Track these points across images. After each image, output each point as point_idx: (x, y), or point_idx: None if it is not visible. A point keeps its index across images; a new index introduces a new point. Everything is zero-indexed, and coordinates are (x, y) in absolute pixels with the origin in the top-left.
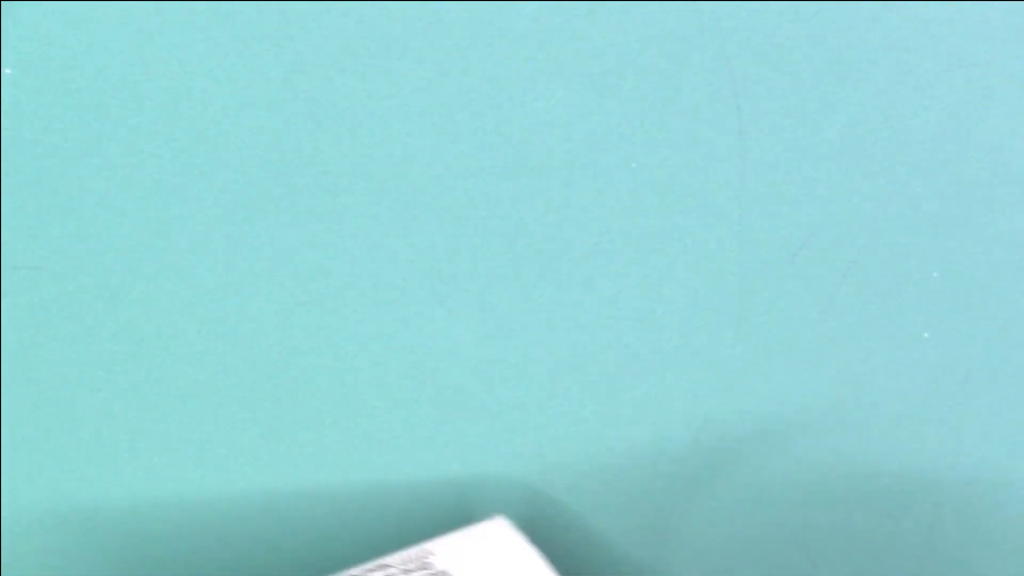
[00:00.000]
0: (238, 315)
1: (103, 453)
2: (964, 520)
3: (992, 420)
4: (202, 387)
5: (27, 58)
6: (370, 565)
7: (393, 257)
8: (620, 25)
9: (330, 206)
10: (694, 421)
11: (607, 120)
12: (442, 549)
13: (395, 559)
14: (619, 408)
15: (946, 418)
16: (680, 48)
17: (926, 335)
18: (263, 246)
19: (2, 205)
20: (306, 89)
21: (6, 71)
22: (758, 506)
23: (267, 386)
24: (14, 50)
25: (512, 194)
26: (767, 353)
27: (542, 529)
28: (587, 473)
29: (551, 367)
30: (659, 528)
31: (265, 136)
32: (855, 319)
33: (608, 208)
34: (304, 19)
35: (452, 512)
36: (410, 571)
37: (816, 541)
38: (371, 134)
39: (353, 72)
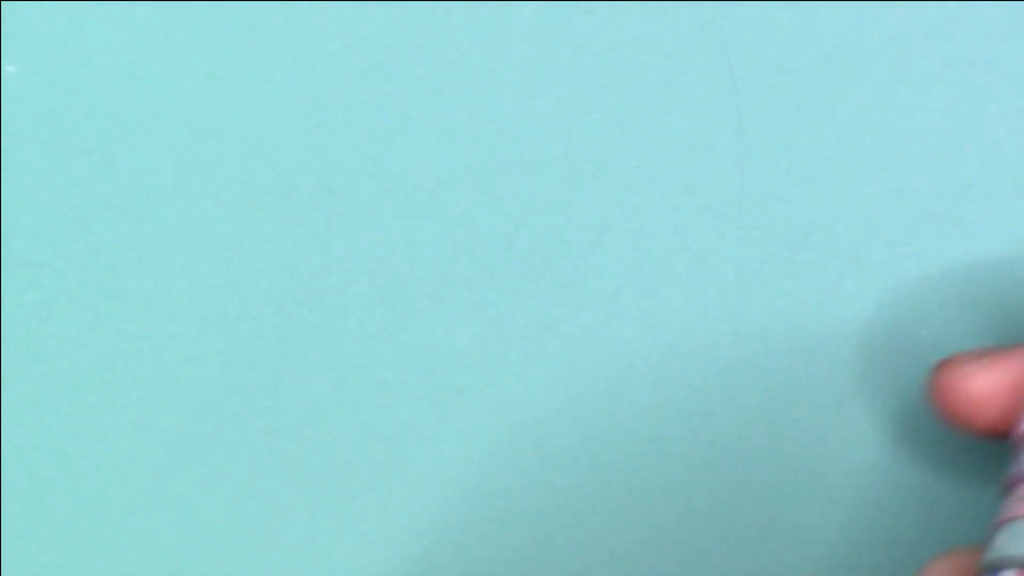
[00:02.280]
0: (238, 315)
1: (103, 453)
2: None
3: None
4: (202, 386)
5: (28, 56)
6: None
7: (393, 257)
8: (620, 25)
9: (330, 206)
10: (693, 420)
11: (607, 120)
12: None
13: None
14: (619, 408)
15: None
16: (680, 48)
17: (924, 332)
18: (263, 246)
19: (2, 204)
20: (306, 89)
21: (7, 69)
22: (758, 506)
23: (267, 386)
24: (15, 49)
25: (512, 194)
26: (767, 352)
27: (543, 528)
28: (587, 473)
29: (551, 367)
30: (659, 528)
31: (266, 136)
32: (854, 317)
33: (608, 207)
34: (304, 19)
35: (456, 516)
36: None
37: (816, 540)
38: (371, 134)
39: (353, 72)
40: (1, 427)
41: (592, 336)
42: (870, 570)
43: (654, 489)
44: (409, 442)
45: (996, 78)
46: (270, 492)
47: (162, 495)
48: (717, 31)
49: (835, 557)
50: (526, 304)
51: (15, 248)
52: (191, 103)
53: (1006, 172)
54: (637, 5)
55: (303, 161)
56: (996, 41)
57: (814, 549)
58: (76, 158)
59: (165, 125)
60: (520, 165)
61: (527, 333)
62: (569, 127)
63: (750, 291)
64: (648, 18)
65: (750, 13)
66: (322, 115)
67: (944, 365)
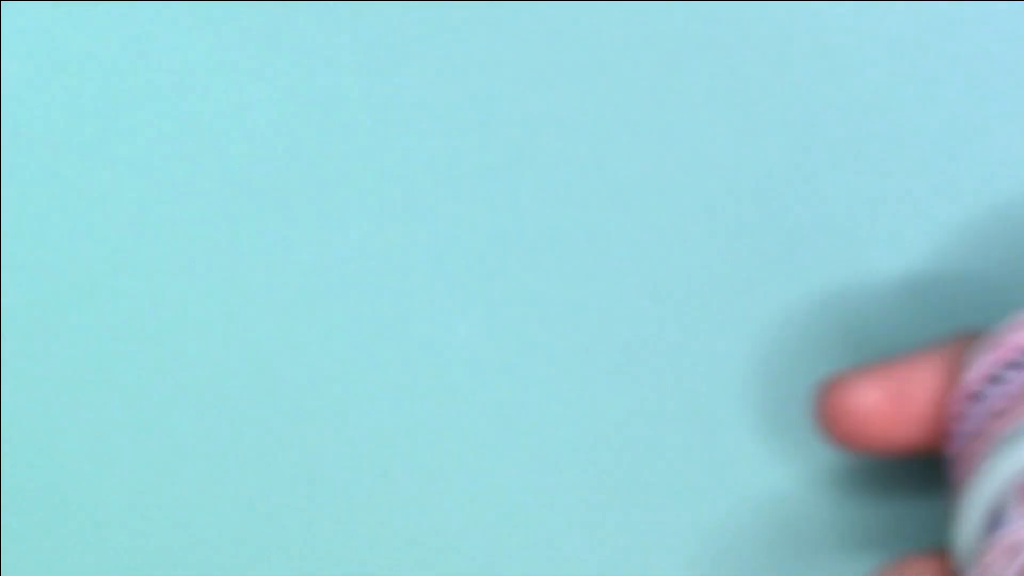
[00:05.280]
0: (238, 314)
1: (103, 453)
2: None
3: None
4: (202, 386)
5: (28, 56)
6: None
7: (393, 257)
8: (620, 25)
9: (330, 206)
10: (694, 419)
11: (607, 120)
12: None
13: None
14: (619, 408)
15: None
16: (680, 48)
17: (925, 333)
18: (263, 245)
19: (2, 204)
20: (307, 89)
21: (8, 69)
22: (758, 505)
23: (267, 385)
24: (15, 49)
25: (512, 194)
26: (767, 353)
27: (542, 529)
28: (587, 472)
29: (551, 367)
30: (659, 528)
31: (266, 135)
32: (854, 318)
33: (608, 207)
34: (305, 19)
35: (456, 515)
36: None
37: (817, 540)
38: (371, 134)
39: (354, 72)
40: (1, 427)
41: (592, 336)
42: (871, 569)
43: (655, 489)
44: (409, 442)
45: (996, 78)
46: (270, 492)
47: (162, 495)
48: (717, 31)
49: (835, 556)
50: (526, 304)
51: (15, 248)
52: (191, 103)
53: (1006, 172)
54: (637, 5)
55: (303, 161)
56: (996, 41)
57: (815, 548)
58: (76, 158)
59: (165, 125)
60: (520, 165)
61: (527, 333)
62: (569, 127)
63: (750, 291)
64: (648, 18)
65: (750, 13)
66: (322, 115)
67: (826, 385)
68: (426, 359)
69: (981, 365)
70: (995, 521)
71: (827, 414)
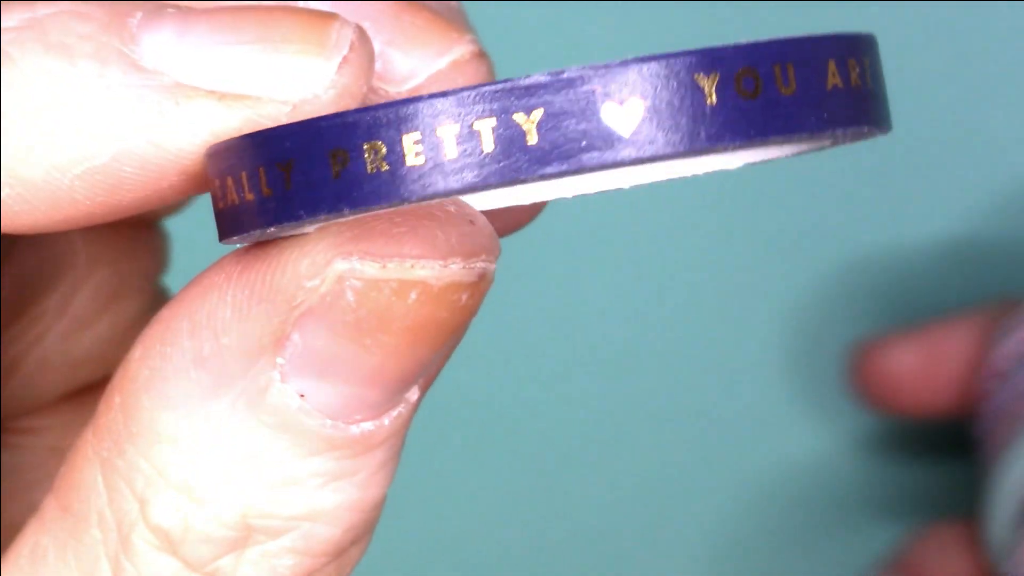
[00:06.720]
0: None
1: None
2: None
3: None
4: None
5: None
6: None
7: None
8: (620, 25)
9: None
10: (695, 420)
11: None
12: None
13: None
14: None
15: None
16: (680, 46)
17: None
18: None
19: None
20: None
21: None
22: (758, 506)
23: None
24: None
25: None
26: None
27: (543, 529)
28: (587, 473)
29: (551, 367)
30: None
31: None
32: (855, 316)
33: (608, 207)
34: None
35: (454, 515)
36: None
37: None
38: None
39: None
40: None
41: (592, 336)
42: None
43: (655, 489)
44: (409, 442)
45: (996, 78)
46: None
47: None
48: (717, 31)
49: (836, 556)
50: (526, 304)
51: None
52: None
53: (1006, 172)
54: (638, 5)
55: None
56: (996, 41)
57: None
58: None
59: None
60: None
61: (527, 332)
62: None
63: (750, 289)
64: (648, 18)
65: (750, 13)
66: None
67: (862, 348)
68: None
69: (1010, 343)
70: None
71: (862, 377)
